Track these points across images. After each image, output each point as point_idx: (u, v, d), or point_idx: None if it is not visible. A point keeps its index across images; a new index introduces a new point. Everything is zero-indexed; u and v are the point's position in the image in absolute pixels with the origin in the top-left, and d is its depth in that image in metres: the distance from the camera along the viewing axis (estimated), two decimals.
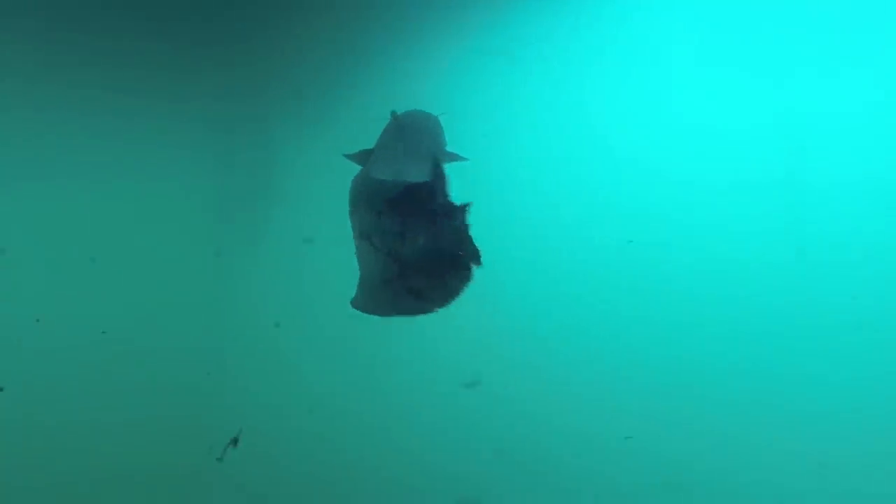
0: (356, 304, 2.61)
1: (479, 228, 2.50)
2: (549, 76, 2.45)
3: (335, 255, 2.71)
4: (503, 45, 2.52)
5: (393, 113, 2.65)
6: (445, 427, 2.58)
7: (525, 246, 2.45)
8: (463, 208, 2.47)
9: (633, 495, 2.33)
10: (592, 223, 2.37)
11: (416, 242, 2.49)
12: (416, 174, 2.55)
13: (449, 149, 2.56)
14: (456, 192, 2.53)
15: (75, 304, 2.85)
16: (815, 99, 2.12)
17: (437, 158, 2.56)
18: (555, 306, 2.41)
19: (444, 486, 2.58)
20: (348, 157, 2.67)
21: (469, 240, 2.45)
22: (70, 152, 2.86)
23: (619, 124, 2.34)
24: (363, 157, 2.66)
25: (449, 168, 2.56)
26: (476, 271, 2.50)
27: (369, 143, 2.68)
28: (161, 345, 2.98)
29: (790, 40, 2.15)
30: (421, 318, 2.54)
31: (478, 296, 2.53)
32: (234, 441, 2.86)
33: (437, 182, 2.51)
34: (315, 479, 2.79)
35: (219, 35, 3.09)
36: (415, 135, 2.62)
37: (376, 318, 2.62)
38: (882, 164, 2.04)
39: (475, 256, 2.45)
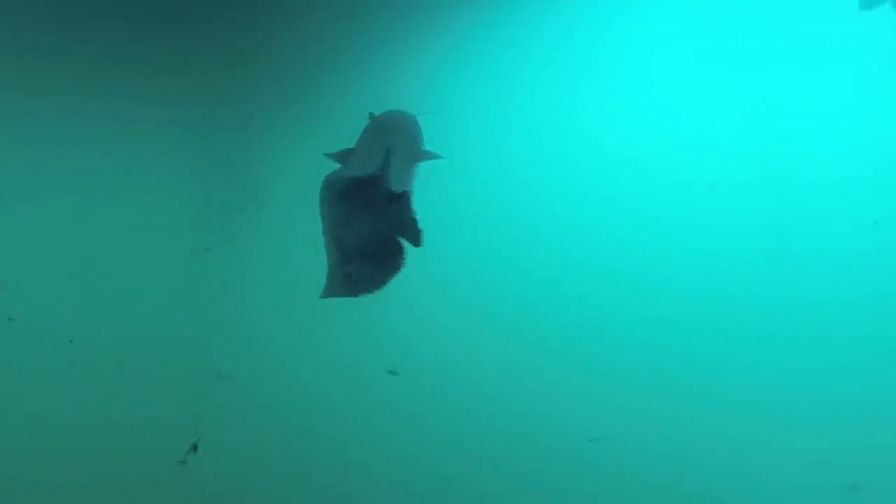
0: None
1: (462, 225, 2.59)
2: (533, 76, 2.56)
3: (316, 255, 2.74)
4: (488, 45, 2.61)
5: (371, 114, 2.72)
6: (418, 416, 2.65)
7: (517, 245, 2.55)
8: (405, 195, 2.52)
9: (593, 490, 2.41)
10: (577, 219, 2.48)
11: (358, 230, 2.53)
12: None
13: (429, 148, 2.63)
14: (438, 192, 2.60)
15: (49, 306, 2.84)
16: (798, 98, 2.28)
17: (414, 156, 2.66)
18: (545, 304, 2.51)
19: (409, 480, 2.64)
20: (329, 156, 2.71)
21: (412, 224, 2.50)
22: (49, 156, 2.85)
23: (606, 123, 2.46)
24: (344, 156, 2.71)
25: (429, 166, 2.63)
26: (454, 266, 2.58)
27: (353, 143, 2.73)
28: (135, 348, 2.94)
29: (774, 40, 2.32)
30: (406, 319, 2.60)
31: (455, 289, 2.61)
32: (194, 447, 2.84)
33: (383, 173, 2.55)
34: (298, 475, 2.80)
35: (202, 37, 3.06)
36: (393, 135, 2.69)
37: (356, 320, 2.67)
38: (864, 162, 2.20)
39: (415, 238, 2.49)
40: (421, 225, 2.53)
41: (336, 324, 2.70)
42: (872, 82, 2.23)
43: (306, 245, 2.70)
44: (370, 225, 2.56)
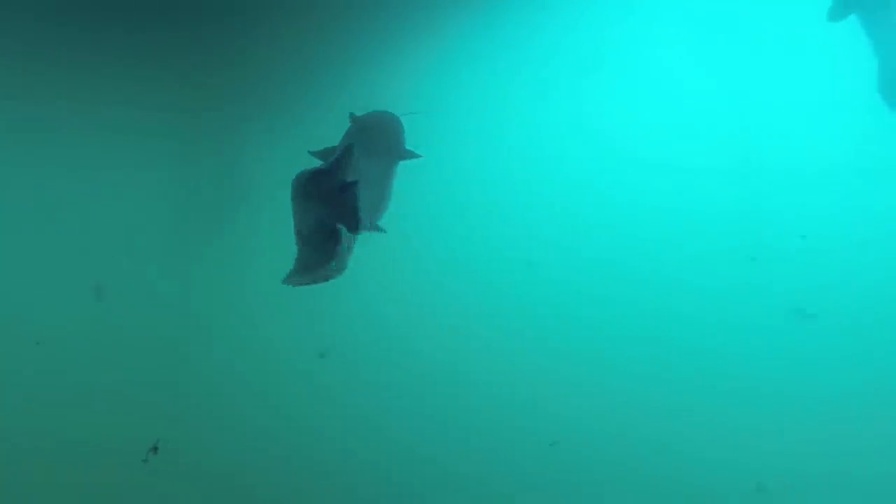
0: None
1: (454, 220, 2.67)
2: (525, 77, 2.66)
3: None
4: (481, 46, 2.70)
5: (352, 115, 2.75)
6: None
7: (510, 241, 2.66)
8: (353, 185, 2.54)
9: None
10: (566, 211, 2.57)
11: (310, 220, 2.55)
12: (367, 169, 2.66)
13: (424, 145, 2.69)
14: (427, 188, 2.66)
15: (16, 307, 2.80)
16: (771, 95, 2.44)
17: (396, 155, 2.71)
18: (532, 293, 2.61)
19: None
20: (313, 154, 2.73)
21: (353, 211, 2.53)
22: (33, 158, 2.84)
23: (598, 120, 2.58)
24: (327, 154, 2.73)
25: (411, 164, 2.68)
26: (443, 258, 2.65)
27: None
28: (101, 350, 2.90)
29: (752, 45, 2.48)
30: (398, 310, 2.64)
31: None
32: (154, 449, 2.82)
33: (338, 164, 2.56)
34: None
35: (197, 39, 3.03)
36: (375, 134, 2.73)
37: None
38: (830, 152, 2.37)
39: (353, 225, 2.52)
40: (414, 219, 2.58)
41: (328, 316, 2.72)
42: (836, 84, 2.41)
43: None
44: (322, 215, 2.57)
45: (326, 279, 2.55)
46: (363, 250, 2.52)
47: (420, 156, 2.69)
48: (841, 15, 2.40)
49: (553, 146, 2.62)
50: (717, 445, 2.39)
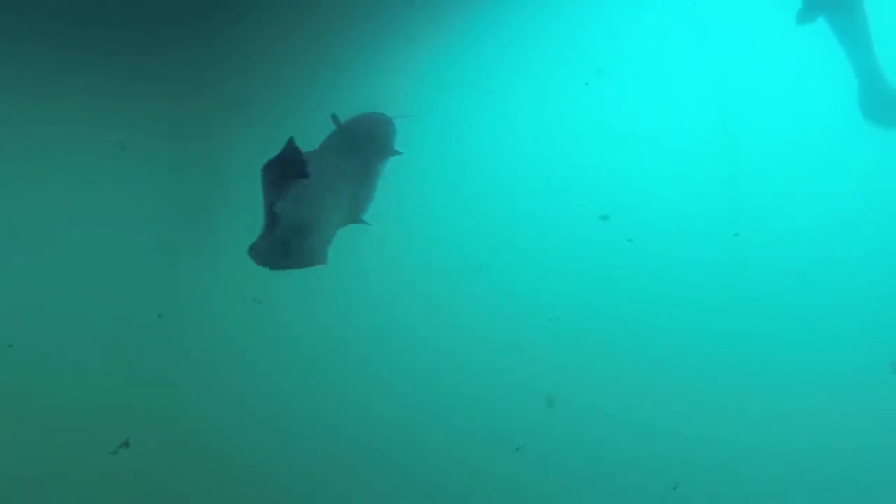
0: None
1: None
2: (522, 77, 2.76)
3: None
4: (475, 46, 2.78)
5: (333, 116, 2.79)
6: None
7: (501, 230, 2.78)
8: (300, 175, 2.53)
9: None
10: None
11: (266, 203, 2.54)
12: (346, 167, 2.72)
13: (404, 146, 2.77)
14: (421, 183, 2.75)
15: None
16: (747, 89, 2.56)
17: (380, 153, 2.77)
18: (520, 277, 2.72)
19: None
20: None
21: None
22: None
23: (589, 117, 2.67)
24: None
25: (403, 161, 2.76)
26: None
27: None
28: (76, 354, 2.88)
29: (730, 44, 2.60)
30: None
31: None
32: (126, 443, 2.81)
33: (281, 156, 2.57)
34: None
35: (187, 43, 3.07)
36: (359, 134, 2.79)
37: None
38: (808, 130, 2.47)
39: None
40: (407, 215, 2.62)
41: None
42: (805, 80, 2.54)
43: None
44: (272, 199, 2.58)
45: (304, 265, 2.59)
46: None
47: (400, 153, 2.75)
48: (809, 18, 2.51)
49: (547, 143, 2.71)
50: (637, 445, 2.43)
